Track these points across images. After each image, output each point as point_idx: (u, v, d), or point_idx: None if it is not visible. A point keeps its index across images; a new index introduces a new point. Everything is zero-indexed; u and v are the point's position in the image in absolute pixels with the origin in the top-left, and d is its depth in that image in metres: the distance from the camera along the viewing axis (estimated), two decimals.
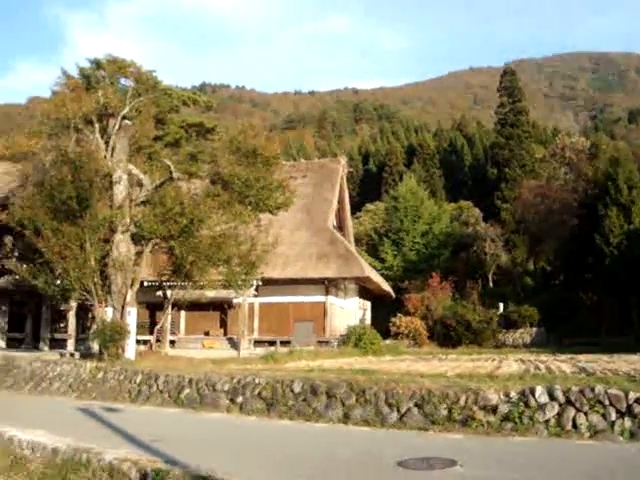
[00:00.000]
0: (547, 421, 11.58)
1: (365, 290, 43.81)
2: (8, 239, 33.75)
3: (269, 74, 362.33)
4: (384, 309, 46.36)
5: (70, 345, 30.47)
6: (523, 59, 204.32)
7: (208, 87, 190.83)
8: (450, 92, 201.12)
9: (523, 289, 56.08)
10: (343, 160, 47.02)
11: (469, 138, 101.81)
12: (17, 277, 29.26)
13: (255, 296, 35.60)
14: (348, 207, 47.37)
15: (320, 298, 36.75)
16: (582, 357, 27.03)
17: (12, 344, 34.31)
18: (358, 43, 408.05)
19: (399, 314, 42.75)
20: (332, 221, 41.62)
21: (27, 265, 26.73)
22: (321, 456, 10.69)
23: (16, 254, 32.10)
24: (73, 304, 30.23)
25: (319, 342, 34.50)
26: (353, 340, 33.13)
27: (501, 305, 47.98)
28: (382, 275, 48.06)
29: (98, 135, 26.19)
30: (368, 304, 46.48)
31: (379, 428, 13.23)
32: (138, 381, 19.60)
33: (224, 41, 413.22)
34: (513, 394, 12.24)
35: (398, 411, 13.40)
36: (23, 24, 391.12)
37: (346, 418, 14.06)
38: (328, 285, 36.77)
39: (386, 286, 45.10)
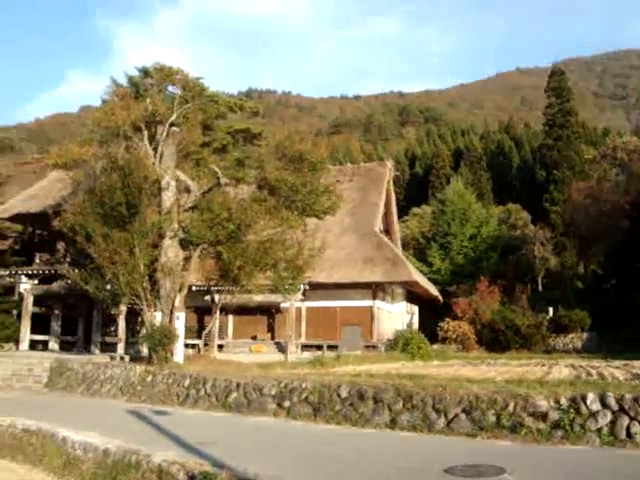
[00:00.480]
0: (599, 429, 11.32)
1: (412, 294, 43.56)
2: (61, 245, 34.46)
3: (315, 79, 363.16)
4: (432, 313, 46.04)
5: (120, 348, 30.90)
6: (571, 58, 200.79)
7: (254, 93, 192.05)
8: (497, 94, 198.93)
9: (573, 293, 55.04)
10: (389, 164, 46.89)
11: (517, 140, 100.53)
12: (69, 282, 29.81)
13: (302, 300, 35.66)
14: (395, 211, 47.20)
15: (367, 302, 36.65)
16: (637, 363, 26.42)
17: (65, 347, 34.99)
18: (403, 46, 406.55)
19: (447, 318, 42.40)
20: (379, 225, 41.49)
21: (79, 270, 27.22)
22: (367, 462, 10.64)
23: (68, 259, 32.73)
24: (123, 308, 30.67)
25: (366, 347, 34.40)
26: (400, 345, 32.95)
27: (551, 309, 47.17)
28: (430, 279, 47.71)
29: (147, 142, 26.55)
30: (415, 308, 46.21)
31: (426, 434, 13.13)
32: (186, 385, 19.80)
33: (270, 47, 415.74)
34: (563, 401, 12.02)
35: (445, 417, 13.28)
36: (75, 36, 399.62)
37: (393, 423, 13.99)
38: (375, 289, 36.65)
39: (434, 290, 44.78)
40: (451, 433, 12.87)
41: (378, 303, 37.16)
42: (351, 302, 36.58)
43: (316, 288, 34.66)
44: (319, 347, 34.44)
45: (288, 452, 11.83)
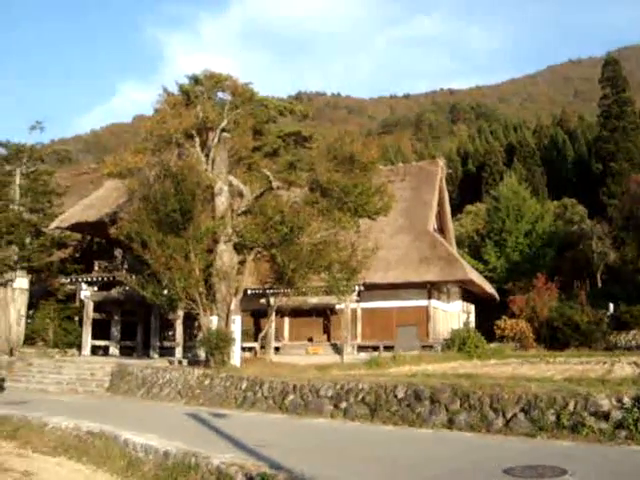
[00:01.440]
0: None
1: (468, 293, 43.13)
2: (118, 252, 35.14)
3: (364, 80, 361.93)
4: (488, 312, 45.44)
5: (178, 353, 31.33)
6: (626, 47, 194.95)
7: (304, 96, 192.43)
8: (549, 87, 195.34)
9: (635, 288, 53.65)
10: (441, 162, 46.51)
11: (571, 133, 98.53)
12: (127, 288, 30.39)
13: (357, 301, 35.61)
14: (448, 209, 46.79)
15: (423, 302, 36.40)
16: None
17: (125, 352, 35.66)
18: (449, 43, 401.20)
19: (503, 316, 41.81)
20: (432, 224, 41.17)
21: (136, 276, 27.72)
22: (425, 463, 10.58)
23: (126, 266, 33.36)
24: (180, 313, 31.10)
25: (423, 346, 34.15)
26: (457, 344, 32.60)
27: (611, 305, 46.05)
28: (485, 277, 47.15)
29: (199, 149, 26.90)
30: (472, 307, 45.73)
31: (484, 434, 13.00)
32: (244, 387, 19.99)
33: (317, 49, 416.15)
34: (626, 400, 11.74)
35: (504, 416, 13.12)
36: (125, 48, 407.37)
37: (450, 423, 13.89)
38: (430, 289, 36.39)
39: (489, 288, 44.24)
40: (510, 433, 12.71)
41: (434, 302, 36.87)
42: (406, 302, 36.38)
43: (371, 289, 34.58)
44: (375, 348, 34.34)
45: (345, 453, 11.84)
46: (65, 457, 14.05)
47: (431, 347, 34.42)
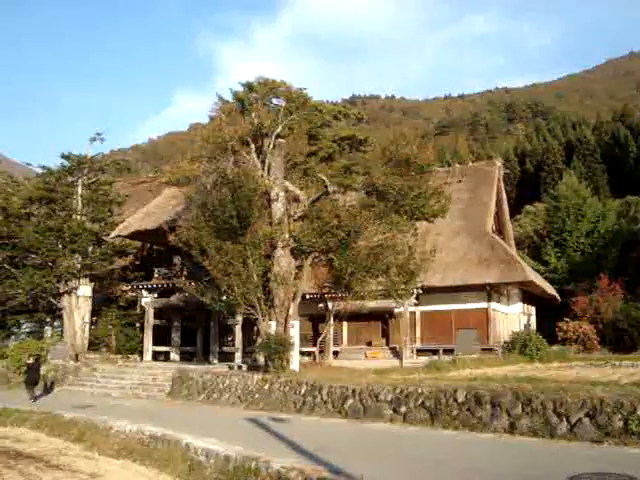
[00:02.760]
0: None
1: (529, 295, 42.40)
2: (177, 259, 35.59)
3: (417, 81, 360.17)
4: (549, 314, 44.54)
5: (237, 358, 31.53)
6: None
7: (358, 99, 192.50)
8: (609, 81, 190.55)
9: None
10: (499, 162, 45.90)
11: (633, 128, 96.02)
12: (187, 294, 30.72)
13: (416, 305, 35.36)
14: (507, 210, 46.11)
15: (482, 305, 35.93)
16: None
17: (185, 357, 36.09)
18: (502, 41, 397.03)
19: (566, 318, 40.94)
20: (491, 225, 40.64)
21: (195, 283, 28.04)
22: (487, 469, 10.40)
23: (185, 273, 33.77)
24: (239, 318, 31.30)
25: (483, 350, 33.68)
26: (518, 347, 32.03)
27: None
28: (546, 278, 46.29)
29: (254, 155, 27.10)
30: (532, 309, 44.93)
31: (548, 439, 12.73)
32: (303, 392, 20.01)
33: (369, 52, 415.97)
34: None
35: (568, 421, 12.83)
36: (179, 58, 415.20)
37: (512, 428, 13.65)
38: (490, 291, 35.89)
39: (551, 290, 43.42)
40: (574, 439, 12.41)
41: (493, 305, 36.35)
42: (466, 305, 35.99)
43: (429, 292, 34.29)
44: (434, 351, 34.05)
45: (405, 458, 11.74)
46: (129, 460, 14.33)
47: (491, 350, 33.91)
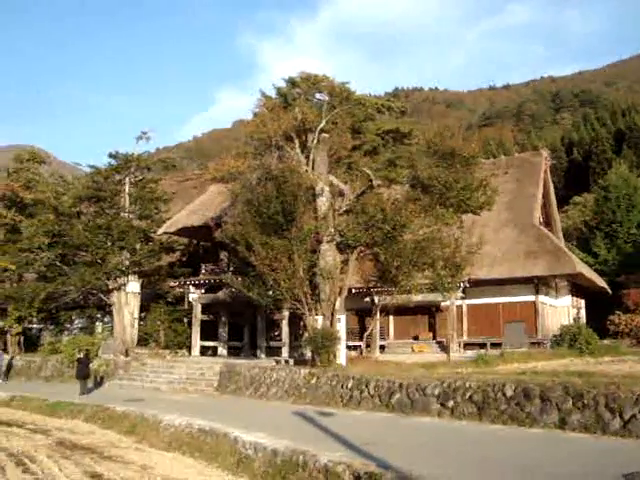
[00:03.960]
0: None
1: (578, 287, 41.71)
2: (224, 255, 35.91)
3: (461, 72, 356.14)
4: (599, 307, 43.74)
5: (284, 352, 31.74)
6: None
7: (401, 92, 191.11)
8: None
9: None
10: (545, 152, 45.19)
11: None
12: (233, 290, 31.00)
13: (463, 298, 35.08)
14: (554, 201, 45.40)
15: (530, 297, 35.47)
16: None
17: (232, 352, 36.40)
18: (547, 29, 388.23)
19: (617, 311, 40.18)
20: (538, 217, 40.07)
21: (242, 278, 28.26)
22: (537, 465, 10.27)
23: (231, 268, 34.02)
24: (285, 313, 31.50)
25: (531, 343, 33.28)
26: (567, 340, 31.59)
27: None
28: (596, 270, 45.44)
29: (298, 150, 27.17)
30: (582, 302, 44.19)
31: (600, 435, 12.52)
32: (350, 386, 20.03)
33: (411, 45, 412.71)
34: None
35: (621, 417, 12.59)
36: (221, 57, 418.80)
37: (562, 424, 13.46)
38: (538, 284, 35.41)
39: (600, 282, 42.63)
40: (628, 435, 12.18)
41: (541, 298, 35.85)
42: (513, 298, 35.58)
43: (476, 285, 33.97)
44: (482, 345, 33.76)
45: (453, 453, 11.67)
46: (179, 453, 14.55)
47: (540, 344, 33.50)
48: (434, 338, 36.53)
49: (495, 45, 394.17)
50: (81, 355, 27.89)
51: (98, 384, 29.17)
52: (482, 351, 30.90)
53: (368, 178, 27.20)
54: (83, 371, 27.18)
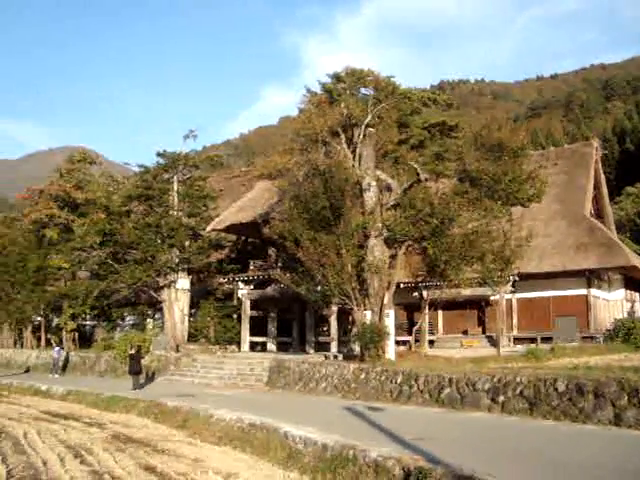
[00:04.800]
0: None
1: (632, 280, 40.82)
2: (272, 251, 36.11)
3: (507, 63, 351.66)
4: None
5: (333, 347, 31.79)
6: None
7: (446, 85, 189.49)
8: None
9: None
10: (596, 143, 44.31)
11: None
12: (282, 285, 31.17)
13: (512, 292, 34.68)
14: (605, 192, 44.49)
15: (581, 291, 34.87)
16: None
17: (281, 347, 36.59)
18: (596, 15, 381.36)
19: None
20: (589, 209, 39.34)
21: (290, 274, 28.41)
22: (591, 462, 10.09)
23: (280, 264, 34.20)
24: (334, 308, 31.54)
25: (583, 338, 32.73)
26: (621, 335, 30.97)
27: None
28: None
29: (345, 145, 27.15)
30: (636, 295, 43.27)
31: None
32: (399, 381, 19.98)
33: (456, 37, 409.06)
34: None
35: None
36: (266, 54, 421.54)
37: (618, 420, 13.22)
38: (590, 277, 34.79)
39: None
40: None
41: (593, 291, 35.23)
42: (564, 291, 35.02)
43: (526, 279, 33.54)
44: (532, 340, 33.31)
45: (505, 449, 11.56)
46: (230, 447, 14.71)
47: (592, 338, 32.93)
48: (483, 332, 36.19)
49: (543, 33, 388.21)
50: (133, 351, 28.38)
51: (149, 379, 29.64)
52: (532, 345, 30.49)
53: (415, 172, 27.07)
54: (135, 367, 27.68)
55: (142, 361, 29.12)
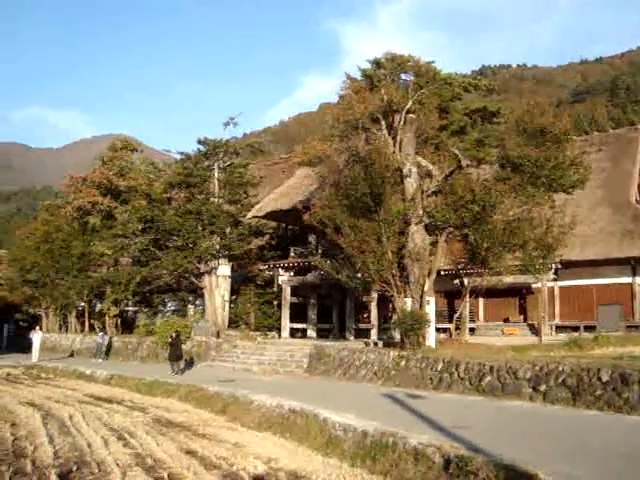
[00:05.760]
0: None
1: None
2: (312, 238, 36.16)
3: (550, 47, 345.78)
4: None
5: (373, 334, 31.77)
6: None
7: (488, 70, 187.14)
8: None
9: None
10: None
11: None
12: (322, 272, 31.19)
13: (554, 280, 34.26)
14: None
15: (626, 279, 34.24)
16: None
17: (321, 334, 36.66)
18: None
19: None
20: (635, 195, 38.57)
21: (330, 261, 28.42)
22: (636, 455, 9.93)
23: (320, 251, 34.24)
24: (374, 295, 31.49)
25: (627, 327, 32.16)
26: None
27: None
28: None
29: (385, 132, 27.00)
30: None
31: None
32: (439, 369, 19.91)
33: (497, 21, 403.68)
34: None
35: None
36: (306, 43, 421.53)
37: None
38: (635, 265, 34.15)
39: None
40: None
41: (639, 280, 34.62)
42: (608, 279, 34.43)
43: (569, 266, 33.08)
44: (575, 328, 32.85)
45: (545, 438, 11.45)
46: (270, 432, 14.82)
47: (637, 327, 32.36)
48: (525, 321, 35.83)
49: (587, 16, 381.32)
50: (172, 337, 28.75)
51: (188, 365, 29.99)
52: (575, 334, 30.09)
53: (456, 158, 26.81)
54: (175, 352, 28.08)
55: (183, 347, 29.47)
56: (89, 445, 13.68)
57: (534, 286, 33.71)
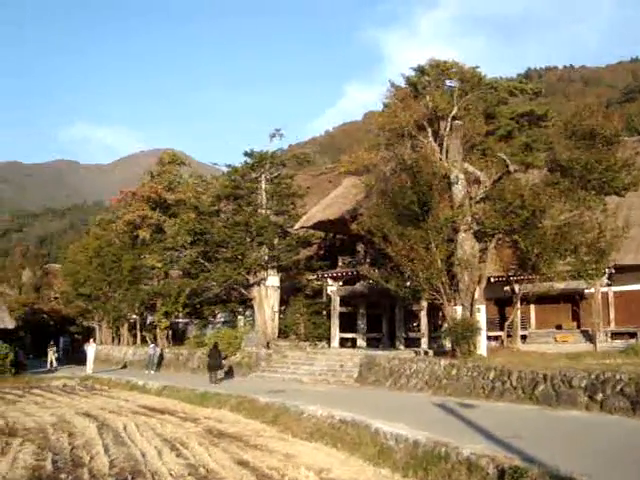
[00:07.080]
0: None
1: None
2: (360, 247, 36.05)
3: (597, 47, 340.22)
4: None
5: (423, 343, 31.49)
6: None
7: (533, 73, 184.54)
8: None
9: None
10: None
11: None
12: (371, 281, 31.10)
13: (608, 285, 33.49)
14: None
15: None
16: None
17: (371, 343, 36.48)
18: None
19: None
20: None
21: (379, 270, 28.34)
22: None
23: (368, 260, 34.13)
24: (424, 304, 31.23)
25: None
26: None
27: None
28: None
29: (431, 139, 26.87)
30: None
31: None
32: (491, 377, 19.65)
33: (540, 23, 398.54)
34: None
35: None
36: (347, 51, 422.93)
37: None
38: None
39: None
40: None
41: None
42: None
43: (623, 271, 32.30)
44: (632, 335, 32.05)
45: (603, 449, 11.17)
46: (321, 443, 14.78)
47: None
48: (578, 327, 35.09)
49: (635, 13, 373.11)
50: (211, 348, 29.08)
51: (228, 375, 30.41)
52: (632, 341, 29.37)
53: (504, 163, 26.52)
54: (215, 362, 28.42)
55: (230, 358, 29.69)
56: (143, 455, 13.85)
57: (587, 292, 33.00)
